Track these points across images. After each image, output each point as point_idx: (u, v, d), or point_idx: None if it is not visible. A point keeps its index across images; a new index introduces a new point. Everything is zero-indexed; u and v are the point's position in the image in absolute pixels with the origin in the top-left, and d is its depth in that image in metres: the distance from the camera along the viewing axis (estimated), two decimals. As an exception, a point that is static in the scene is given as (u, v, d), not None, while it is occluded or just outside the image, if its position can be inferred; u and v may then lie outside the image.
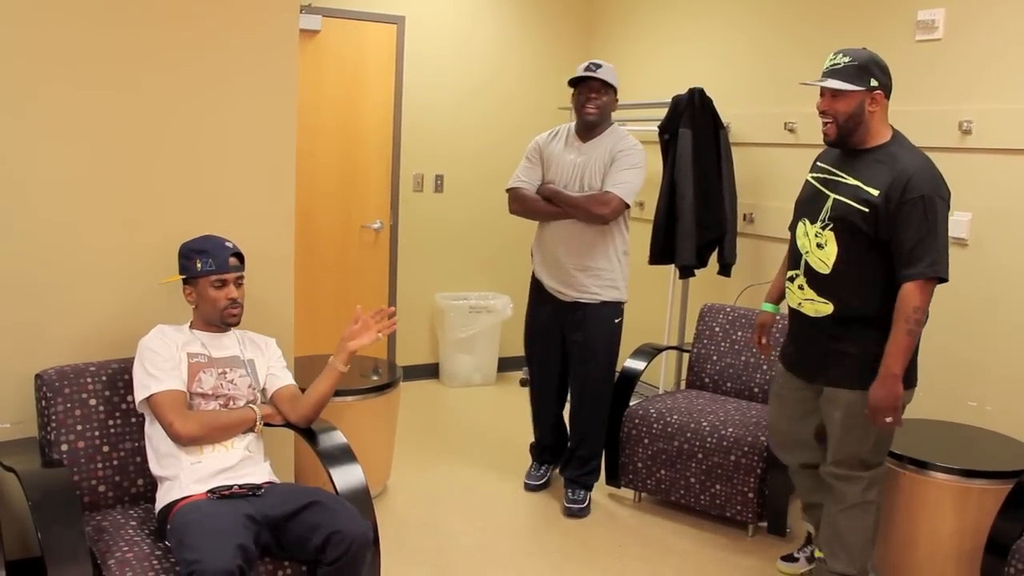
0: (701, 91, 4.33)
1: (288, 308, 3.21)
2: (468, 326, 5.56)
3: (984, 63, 3.51)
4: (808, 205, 2.83)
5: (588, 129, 3.63)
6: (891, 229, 2.61)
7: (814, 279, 2.78)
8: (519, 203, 3.73)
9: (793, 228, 2.90)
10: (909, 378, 2.72)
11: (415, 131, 5.49)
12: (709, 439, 3.54)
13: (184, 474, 2.44)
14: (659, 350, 4.20)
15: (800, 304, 2.85)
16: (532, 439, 4.13)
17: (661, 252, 4.45)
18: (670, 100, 4.41)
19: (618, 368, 3.89)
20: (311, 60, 5.05)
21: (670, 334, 4.84)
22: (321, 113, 5.17)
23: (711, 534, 3.56)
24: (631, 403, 3.86)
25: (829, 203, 2.73)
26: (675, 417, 3.68)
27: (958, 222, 3.58)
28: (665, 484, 3.69)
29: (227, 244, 2.66)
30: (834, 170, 2.79)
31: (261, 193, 3.09)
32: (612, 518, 3.77)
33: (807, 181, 2.90)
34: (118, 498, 2.62)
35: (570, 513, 3.76)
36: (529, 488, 4.01)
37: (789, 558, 3.33)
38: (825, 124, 2.73)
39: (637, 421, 3.75)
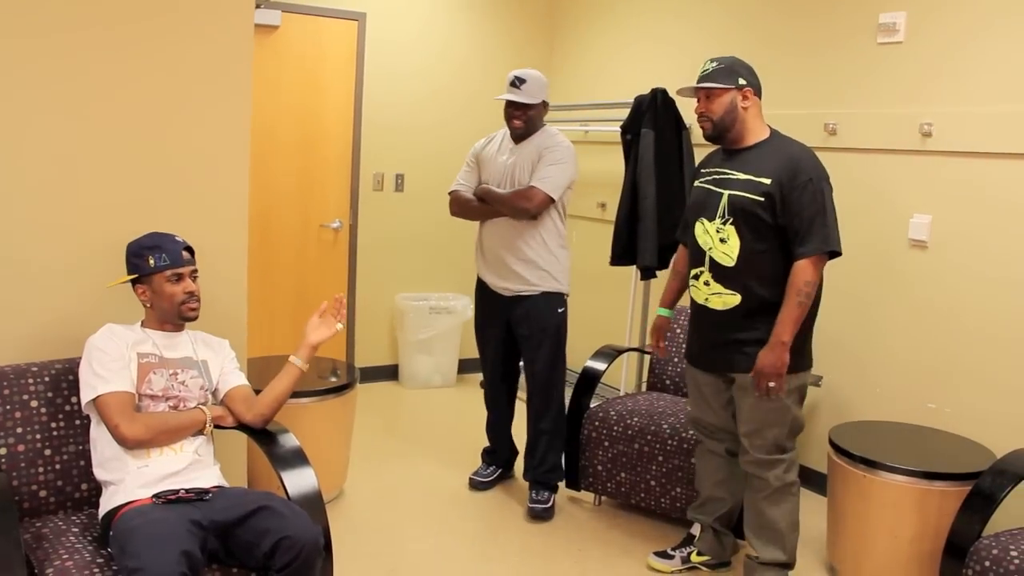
0: (664, 91, 4.30)
1: (241, 308, 3.12)
2: (428, 327, 5.50)
3: (944, 66, 3.52)
4: (702, 206, 2.96)
5: (519, 135, 3.73)
6: (786, 212, 2.77)
7: (720, 273, 2.90)
8: (457, 205, 3.88)
9: (691, 231, 3.01)
10: (804, 359, 2.93)
11: (376, 130, 5.42)
12: (670, 441, 3.51)
13: (130, 478, 2.36)
14: (620, 352, 4.16)
15: (707, 299, 2.96)
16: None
17: (622, 253, 4.42)
18: (632, 100, 4.39)
19: (578, 368, 3.85)
20: (270, 56, 4.96)
21: (631, 336, 4.82)
22: (280, 110, 5.08)
23: (672, 537, 3.53)
24: (591, 405, 3.82)
25: (724, 200, 2.88)
26: (636, 419, 3.65)
27: (918, 224, 3.59)
28: (626, 487, 3.65)
29: (177, 239, 2.60)
30: (722, 170, 2.94)
31: (212, 190, 2.99)
32: (572, 522, 3.73)
33: (696, 187, 3.05)
34: (60, 504, 2.52)
35: (534, 514, 3.71)
36: (475, 485, 4.04)
37: (663, 554, 3.33)
38: (703, 123, 2.92)
39: (597, 423, 3.71)
